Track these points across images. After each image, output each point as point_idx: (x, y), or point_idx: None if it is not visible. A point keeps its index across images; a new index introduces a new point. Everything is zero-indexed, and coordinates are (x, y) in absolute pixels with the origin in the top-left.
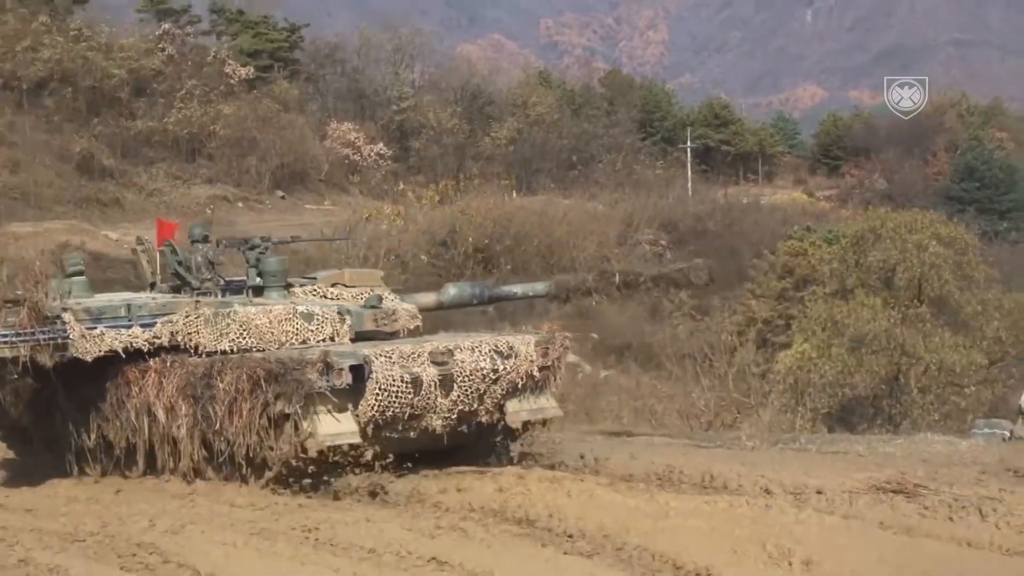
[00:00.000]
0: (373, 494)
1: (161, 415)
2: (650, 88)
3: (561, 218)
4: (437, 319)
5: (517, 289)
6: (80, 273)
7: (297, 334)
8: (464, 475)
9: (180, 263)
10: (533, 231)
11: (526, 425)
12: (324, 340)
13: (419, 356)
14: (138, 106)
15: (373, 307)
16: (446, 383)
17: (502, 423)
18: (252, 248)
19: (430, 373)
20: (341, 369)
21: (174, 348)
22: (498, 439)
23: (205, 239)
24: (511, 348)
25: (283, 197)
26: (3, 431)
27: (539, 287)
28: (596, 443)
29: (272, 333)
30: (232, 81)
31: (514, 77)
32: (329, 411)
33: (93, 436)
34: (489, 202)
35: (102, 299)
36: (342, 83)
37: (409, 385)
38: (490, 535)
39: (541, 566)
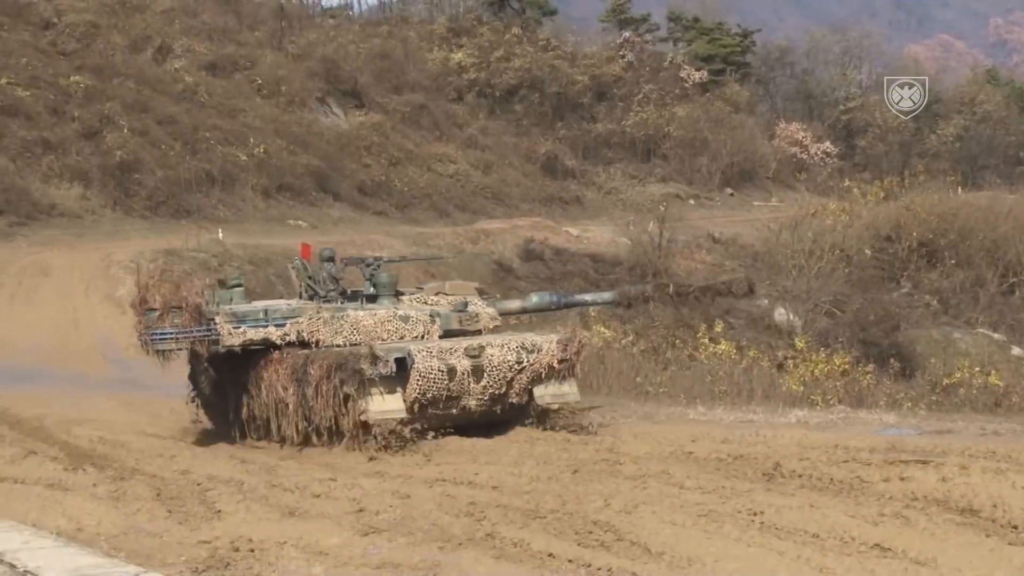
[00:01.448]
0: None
1: (277, 393)
2: None
3: (1007, 213)
4: None
5: (588, 297)
6: (239, 285)
7: (396, 332)
8: (908, 465)
9: (310, 277)
10: (978, 226)
11: (550, 406)
12: (417, 337)
13: (455, 351)
14: (599, 110)
15: (459, 311)
16: (477, 372)
17: (531, 404)
18: (367, 265)
19: (464, 364)
20: (387, 361)
21: (302, 343)
22: (531, 416)
23: (330, 259)
24: (535, 344)
25: (732, 194)
26: (204, 407)
27: (606, 295)
28: None
29: (376, 331)
30: (686, 85)
31: (962, 76)
32: (381, 393)
33: (245, 410)
34: (934, 198)
35: (248, 305)
36: (791, 84)
37: (445, 373)
38: (933, 524)
39: (984, 556)
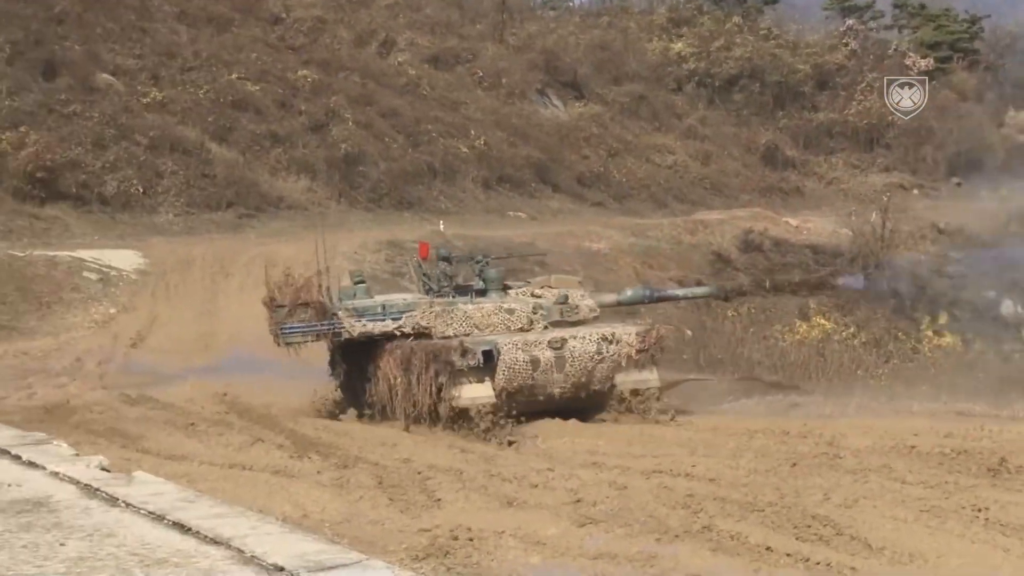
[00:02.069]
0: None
1: (389, 380)
2: None
3: None
4: None
5: (680, 292)
6: (362, 282)
7: (502, 323)
8: None
9: (425, 275)
10: None
11: (633, 393)
12: (521, 328)
13: (540, 343)
14: (820, 99)
15: (561, 304)
16: (560, 363)
17: (614, 391)
18: (477, 262)
19: (547, 355)
20: (474, 353)
21: (418, 335)
22: (614, 402)
23: (445, 259)
24: (615, 336)
25: (959, 184)
26: (342, 391)
27: (700, 290)
28: None
29: (483, 323)
30: (912, 72)
31: None
32: (471, 381)
33: (368, 394)
34: None
35: (369, 300)
36: (1021, 71)
37: (529, 364)
38: None
39: None
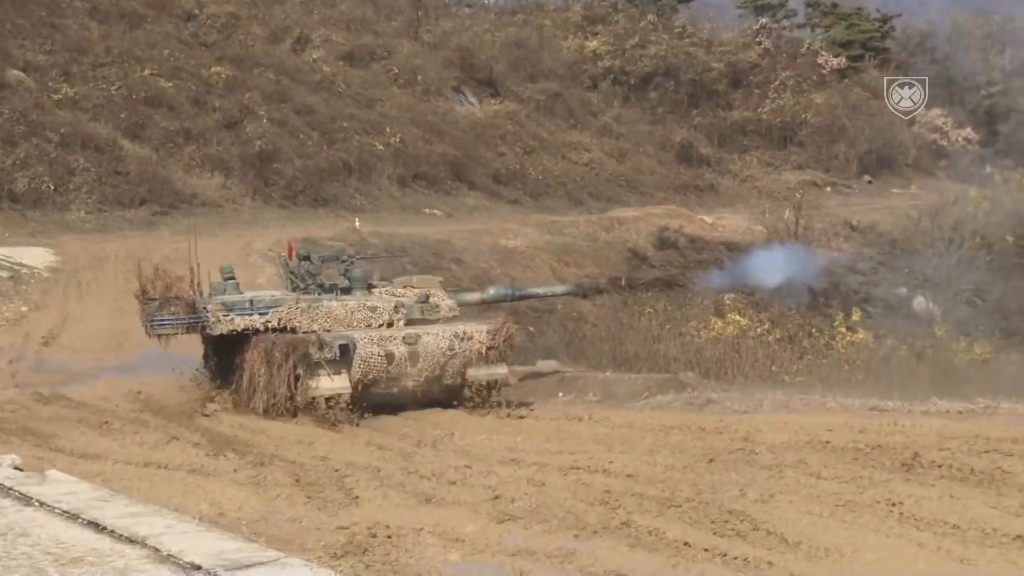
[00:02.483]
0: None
1: (253, 371)
2: None
3: None
4: None
5: (541, 290)
6: (232, 278)
7: (364, 320)
8: None
9: (292, 273)
10: None
11: (485, 385)
12: (383, 324)
13: (394, 339)
14: (734, 97)
15: (422, 303)
16: (414, 357)
17: (465, 385)
18: (342, 262)
19: (401, 350)
20: (331, 346)
21: (283, 329)
22: (466, 395)
23: (306, 258)
24: (467, 333)
25: (870, 182)
26: (212, 380)
27: (559, 288)
28: None
29: (346, 319)
30: (824, 71)
31: None
32: (328, 374)
33: (234, 385)
34: None
35: (237, 296)
36: (931, 70)
37: (383, 358)
38: None
39: None
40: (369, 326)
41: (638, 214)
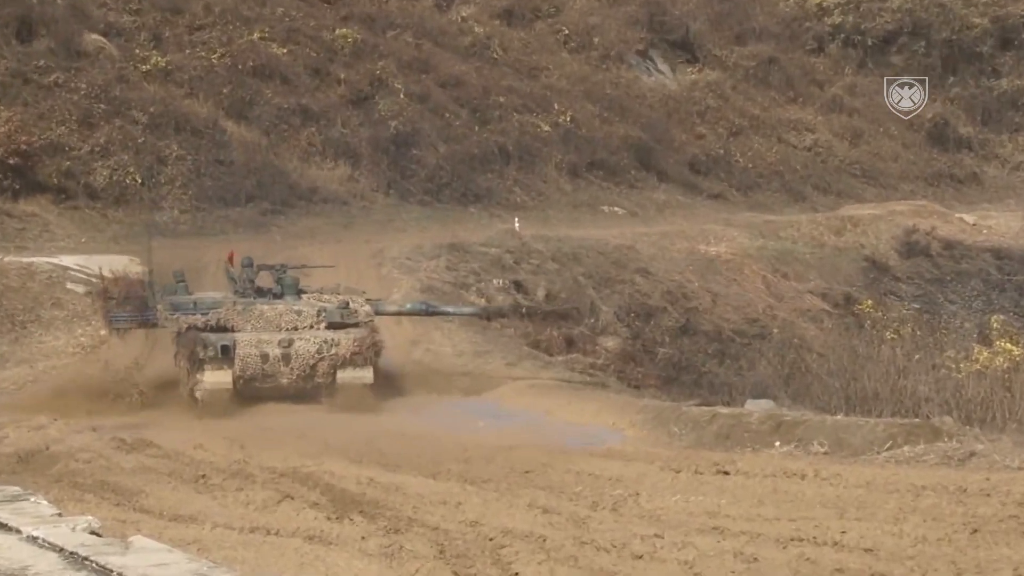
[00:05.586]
0: None
1: (178, 365)
2: None
3: None
4: None
5: (450, 308)
6: (182, 281)
7: (290, 322)
8: None
9: (232, 278)
10: None
11: (349, 386)
12: (307, 327)
13: (271, 341)
14: (1003, 61)
15: (342, 308)
16: (287, 358)
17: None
18: (276, 270)
19: (275, 352)
20: (213, 347)
21: (221, 329)
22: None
23: (248, 265)
24: (335, 340)
25: None
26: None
27: (467, 309)
28: None
29: (275, 321)
30: None
31: None
32: (213, 370)
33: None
34: None
35: (184, 297)
36: None
37: (259, 358)
38: None
39: None
40: (295, 328)
41: (877, 212)
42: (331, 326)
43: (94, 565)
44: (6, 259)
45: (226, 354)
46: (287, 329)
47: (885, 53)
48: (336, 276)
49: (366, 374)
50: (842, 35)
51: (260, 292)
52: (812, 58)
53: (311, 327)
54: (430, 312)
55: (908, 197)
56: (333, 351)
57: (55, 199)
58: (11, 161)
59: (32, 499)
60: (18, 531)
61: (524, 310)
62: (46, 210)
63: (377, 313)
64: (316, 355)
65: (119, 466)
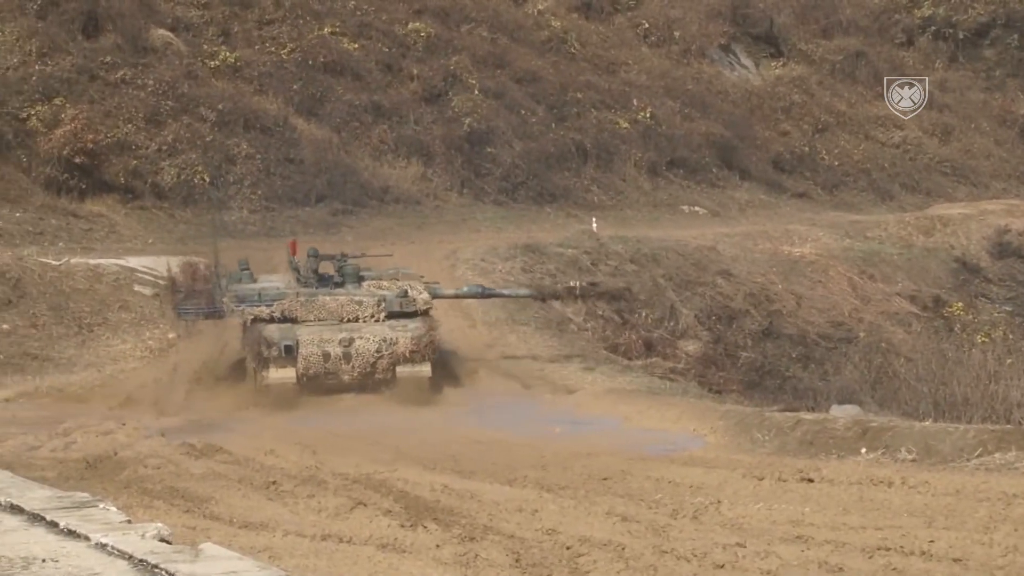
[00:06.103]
0: None
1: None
2: None
3: None
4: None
5: (505, 291)
6: (247, 269)
7: (351, 312)
8: None
9: (296, 269)
10: None
11: (408, 381)
12: (368, 316)
13: (332, 340)
14: None
15: (401, 297)
16: (348, 357)
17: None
18: (337, 260)
19: (336, 351)
20: (277, 347)
21: (285, 319)
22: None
23: (313, 256)
24: (394, 339)
25: None
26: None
27: (522, 291)
28: None
29: (337, 312)
30: None
31: None
32: (277, 368)
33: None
34: None
35: (248, 287)
36: None
37: (320, 357)
38: None
39: None
40: (356, 318)
41: (969, 212)
42: (391, 316)
43: (164, 573)
44: (73, 261)
45: (289, 353)
46: (348, 319)
47: (977, 47)
48: (392, 260)
49: (424, 368)
50: (932, 28)
51: (322, 280)
52: (901, 52)
53: (372, 316)
54: (485, 294)
55: (1000, 196)
56: (391, 350)
57: (122, 199)
58: (77, 160)
59: (101, 505)
60: (87, 538)
61: (578, 291)
62: (113, 210)
63: (434, 297)
64: (375, 354)
65: (188, 472)
